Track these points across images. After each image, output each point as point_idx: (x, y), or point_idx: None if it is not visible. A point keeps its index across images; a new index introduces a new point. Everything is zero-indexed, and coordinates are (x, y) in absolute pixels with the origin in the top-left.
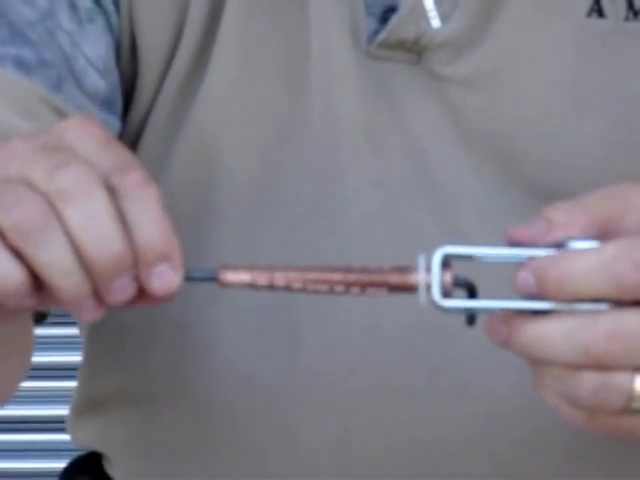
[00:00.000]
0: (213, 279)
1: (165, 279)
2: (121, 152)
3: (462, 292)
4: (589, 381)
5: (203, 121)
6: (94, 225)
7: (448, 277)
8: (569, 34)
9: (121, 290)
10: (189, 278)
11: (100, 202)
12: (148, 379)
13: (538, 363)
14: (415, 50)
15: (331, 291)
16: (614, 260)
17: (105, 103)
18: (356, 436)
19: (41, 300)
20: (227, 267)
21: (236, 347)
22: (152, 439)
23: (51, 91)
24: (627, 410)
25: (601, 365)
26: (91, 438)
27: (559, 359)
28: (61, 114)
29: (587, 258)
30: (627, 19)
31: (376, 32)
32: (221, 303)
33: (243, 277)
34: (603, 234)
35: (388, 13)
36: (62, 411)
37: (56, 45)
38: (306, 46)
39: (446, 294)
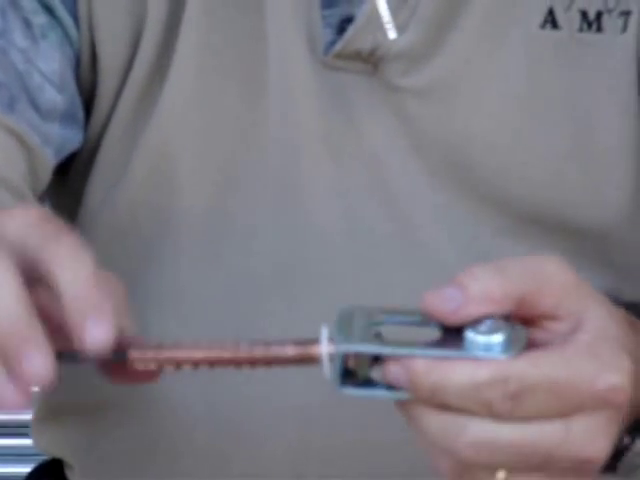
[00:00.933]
0: (122, 359)
1: (98, 328)
2: (52, 227)
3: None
4: (451, 465)
5: (163, 130)
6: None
7: (351, 357)
8: (523, 45)
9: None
10: (92, 358)
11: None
12: (105, 387)
13: None
14: (371, 61)
15: (238, 369)
16: (486, 386)
17: (65, 118)
18: (314, 439)
19: None
20: (135, 347)
21: None
22: (109, 446)
23: (4, 111)
24: None
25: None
26: (51, 444)
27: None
28: (13, 134)
29: (461, 376)
30: (581, 30)
31: (333, 42)
32: (181, 304)
33: (149, 357)
34: (518, 308)
35: (345, 23)
36: (27, 416)
37: (9, 64)
38: (264, 56)
39: (347, 371)
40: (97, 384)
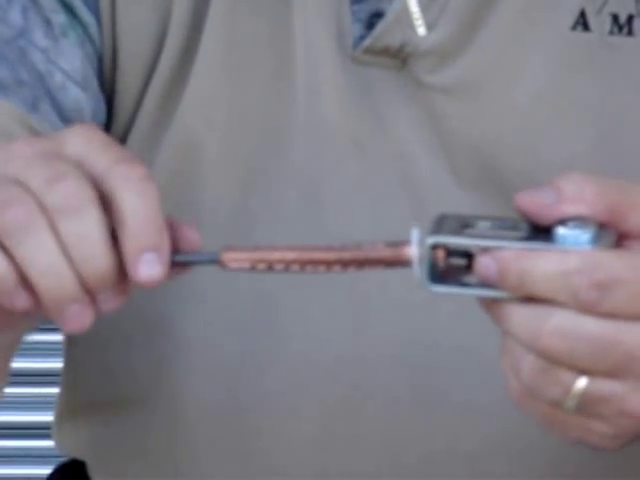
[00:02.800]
0: (215, 261)
1: (151, 268)
2: (122, 151)
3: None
4: (532, 363)
5: (188, 124)
6: (84, 243)
7: (440, 254)
8: (553, 46)
9: (105, 302)
10: (191, 262)
11: (91, 220)
12: (123, 385)
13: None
14: (400, 57)
15: (329, 270)
16: (574, 273)
17: (89, 117)
18: (334, 433)
19: (30, 303)
20: (229, 249)
21: (219, 350)
22: (128, 444)
23: (27, 110)
24: (560, 405)
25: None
26: (72, 444)
27: (515, 335)
28: (36, 134)
29: (550, 262)
30: (612, 33)
31: (362, 37)
32: (203, 305)
33: (243, 258)
34: (608, 217)
35: (374, 18)
36: (48, 417)
37: (30, 64)
38: (291, 50)
39: (441, 272)
40: (115, 382)
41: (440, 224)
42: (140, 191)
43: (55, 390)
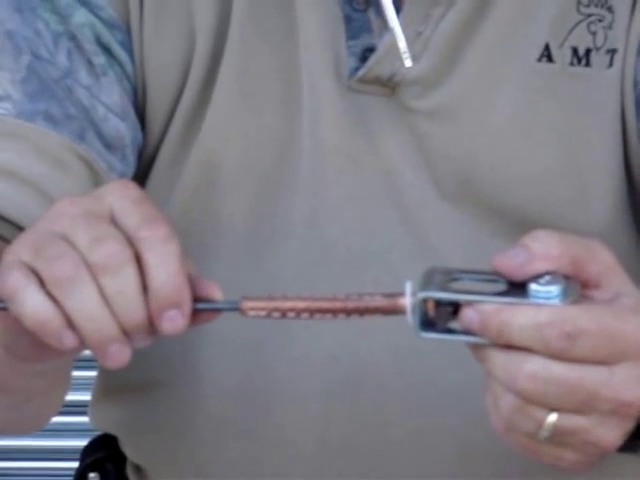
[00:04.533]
0: (235, 309)
1: (174, 323)
2: (151, 209)
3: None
4: (510, 401)
5: (208, 145)
6: (122, 297)
7: (430, 306)
8: (522, 76)
9: (139, 341)
10: (214, 309)
11: (128, 278)
12: (157, 369)
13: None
14: (389, 85)
15: (335, 318)
16: (546, 325)
17: (129, 142)
18: (336, 414)
19: (75, 343)
20: (247, 298)
21: (236, 340)
22: (157, 420)
23: (76, 141)
24: (535, 437)
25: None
26: (105, 421)
27: (495, 377)
28: (85, 161)
29: (525, 316)
30: (572, 64)
31: (356, 69)
32: None
33: (261, 307)
34: (572, 270)
35: (367, 52)
36: (84, 397)
37: (76, 100)
38: (298, 81)
39: (429, 321)
40: (146, 367)
41: (430, 277)
42: (162, 253)
43: (93, 373)
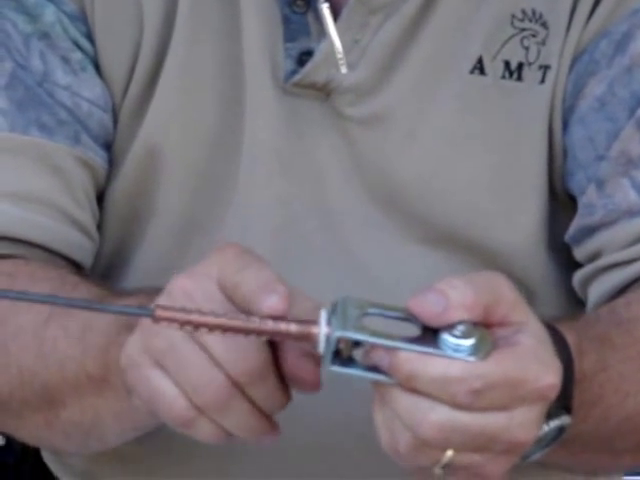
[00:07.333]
0: (148, 315)
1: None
2: (261, 274)
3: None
4: (409, 439)
5: (149, 139)
6: (269, 401)
7: (343, 344)
8: (454, 87)
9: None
10: (129, 313)
11: (271, 381)
12: None
13: None
14: (324, 91)
15: (247, 337)
16: (455, 381)
17: (112, 133)
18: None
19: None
20: (161, 307)
21: None
22: None
23: (72, 145)
24: (429, 470)
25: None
26: None
27: (398, 417)
28: (82, 161)
29: (436, 368)
30: (504, 77)
31: (293, 72)
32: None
33: (174, 318)
34: (483, 317)
35: (304, 56)
36: None
37: (59, 103)
38: (240, 78)
39: (341, 354)
40: None
41: (343, 312)
42: (267, 291)
43: None
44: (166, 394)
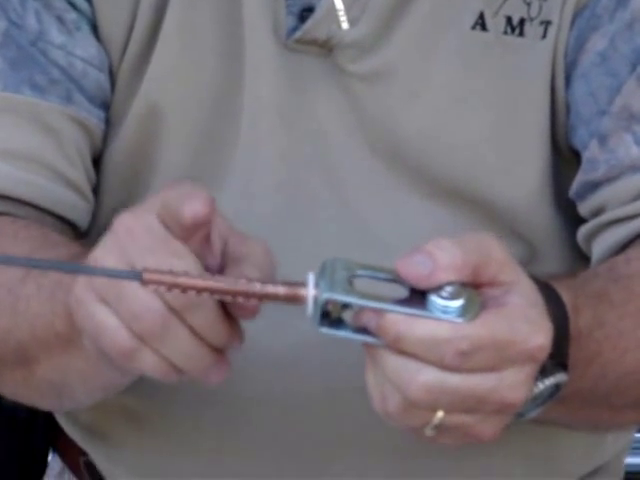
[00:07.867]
0: (136, 279)
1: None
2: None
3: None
4: (399, 401)
5: (149, 98)
6: (210, 329)
7: (331, 306)
8: (456, 44)
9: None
10: (112, 275)
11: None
12: None
13: None
14: (326, 47)
15: (234, 300)
16: (443, 342)
17: (109, 93)
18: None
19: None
20: (148, 270)
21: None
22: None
23: (64, 104)
24: (419, 430)
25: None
26: None
27: (387, 379)
28: (76, 121)
29: (423, 330)
30: (506, 33)
31: (295, 28)
32: None
33: (161, 280)
34: (472, 278)
35: (305, 12)
36: None
37: (52, 63)
38: (240, 35)
39: (325, 312)
40: None
41: (331, 274)
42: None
43: None
44: (108, 326)
